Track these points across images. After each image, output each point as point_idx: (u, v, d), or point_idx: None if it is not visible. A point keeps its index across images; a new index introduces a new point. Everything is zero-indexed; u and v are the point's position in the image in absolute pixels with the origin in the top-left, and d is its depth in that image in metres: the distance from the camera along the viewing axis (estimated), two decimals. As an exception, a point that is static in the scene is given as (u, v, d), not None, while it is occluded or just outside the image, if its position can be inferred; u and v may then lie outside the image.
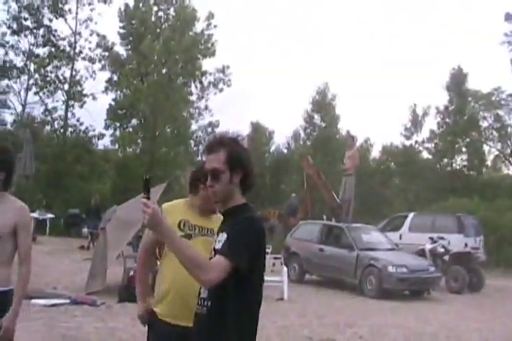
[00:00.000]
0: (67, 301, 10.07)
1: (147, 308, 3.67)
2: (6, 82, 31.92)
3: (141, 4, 33.51)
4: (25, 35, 32.04)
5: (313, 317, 10.65)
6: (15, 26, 31.54)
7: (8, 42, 31.69)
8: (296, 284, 14.94)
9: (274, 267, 15.33)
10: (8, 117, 32.79)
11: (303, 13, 62.61)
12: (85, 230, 20.84)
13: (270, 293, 11.03)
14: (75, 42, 32.73)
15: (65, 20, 32.43)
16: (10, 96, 32.25)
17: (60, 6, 32.12)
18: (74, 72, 32.79)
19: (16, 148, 14.83)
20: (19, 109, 32.43)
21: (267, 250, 2.86)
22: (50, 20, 32.27)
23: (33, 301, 9.43)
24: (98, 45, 32.95)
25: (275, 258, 16.29)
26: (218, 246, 2.77)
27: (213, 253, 2.78)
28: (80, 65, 33.15)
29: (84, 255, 16.45)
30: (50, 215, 24.41)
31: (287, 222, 21.84)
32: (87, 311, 9.54)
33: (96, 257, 12.03)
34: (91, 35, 32.65)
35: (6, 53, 31.83)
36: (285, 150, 39.19)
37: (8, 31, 31.52)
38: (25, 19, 31.78)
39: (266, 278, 2.92)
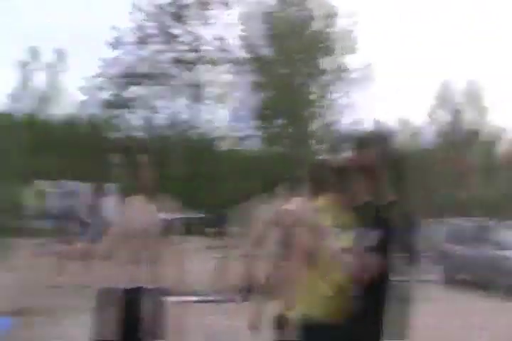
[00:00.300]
0: (208, 298, 10.47)
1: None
2: (158, 87, 33.33)
3: (279, 6, 34.04)
4: (150, 43, 33.18)
5: (455, 318, 10.27)
6: (140, 35, 32.83)
7: (135, 51, 33.11)
8: (447, 284, 14.50)
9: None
10: (159, 121, 34.24)
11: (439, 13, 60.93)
12: (222, 229, 21.41)
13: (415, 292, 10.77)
14: (199, 45, 33.56)
15: (207, 25, 33.40)
16: (140, 103, 33.46)
17: (205, 12, 33.13)
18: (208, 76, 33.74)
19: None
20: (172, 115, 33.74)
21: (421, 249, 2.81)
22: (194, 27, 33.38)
23: (175, 298, 9.78)
24: (241, 47, 33.83)
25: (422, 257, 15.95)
26: (366, 243, 2.74)
27: (361, 249, 2.75)
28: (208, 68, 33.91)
29: (216, 254, 16.74)
30: (194, 215, 25.34)
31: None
32: (223, 309, 9.72)
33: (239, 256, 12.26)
34: (232, 38, 33.50)
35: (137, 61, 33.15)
36: (431, 147, 38.34)
37: (135, 40, 32.87)
38: (150, 27, 33.07)
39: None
